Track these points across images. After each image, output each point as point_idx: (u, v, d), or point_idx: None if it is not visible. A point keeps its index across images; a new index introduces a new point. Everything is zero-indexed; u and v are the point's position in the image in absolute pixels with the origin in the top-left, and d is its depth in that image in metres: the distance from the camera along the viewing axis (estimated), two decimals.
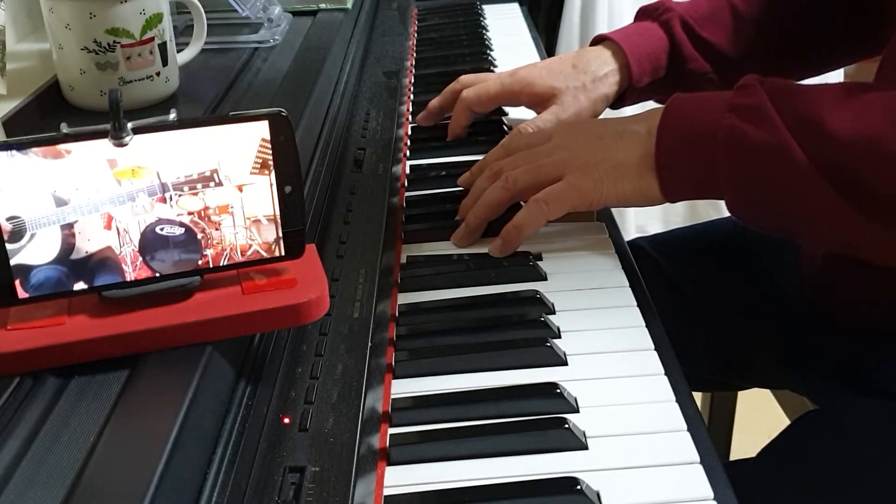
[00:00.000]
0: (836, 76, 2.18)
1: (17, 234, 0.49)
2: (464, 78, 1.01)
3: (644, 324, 0.69)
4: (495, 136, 1.02)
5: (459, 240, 0.81)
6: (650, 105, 1.08)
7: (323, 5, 1.18)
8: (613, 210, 0.86)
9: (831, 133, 0.65)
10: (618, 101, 0.98)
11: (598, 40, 0.99)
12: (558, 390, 0.61)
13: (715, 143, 0.70)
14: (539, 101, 0.97)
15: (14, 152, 0.48)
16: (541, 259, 0.78)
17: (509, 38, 1.39)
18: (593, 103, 0.95)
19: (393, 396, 0.63)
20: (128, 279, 0.52)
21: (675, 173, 0.73)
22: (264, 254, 0.54)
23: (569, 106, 0.95)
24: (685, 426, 0.59)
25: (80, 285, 0.51)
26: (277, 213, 0.54)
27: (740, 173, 0.70)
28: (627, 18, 2.12)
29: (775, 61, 0.99)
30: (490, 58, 1.28)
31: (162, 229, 0.52)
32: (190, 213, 0.52)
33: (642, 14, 1.00)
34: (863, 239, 0.68)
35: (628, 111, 0.95)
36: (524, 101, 0.98)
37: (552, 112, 0.95)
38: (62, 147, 0.49)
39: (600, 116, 0.98)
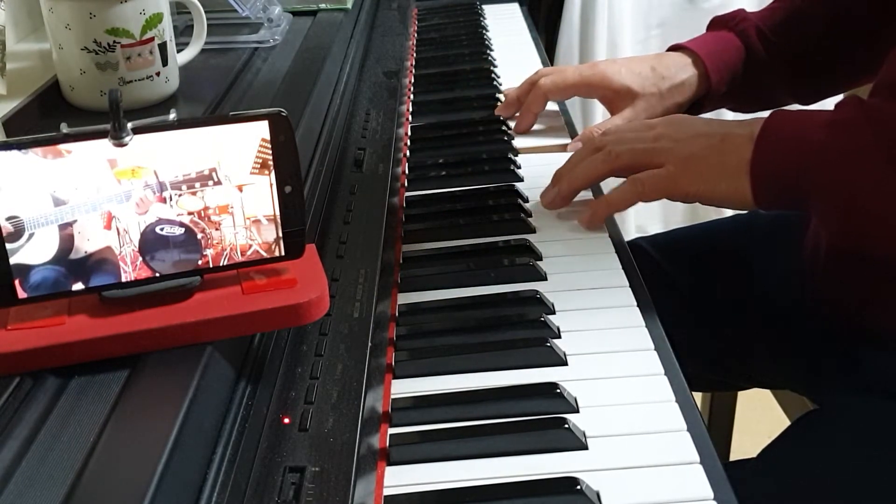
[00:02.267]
0: None
1: (17, 233, 0.49)
2: (543, 70, 1.05)
3: (644, 324, 0.69)
4: (497, 135, 1.02)
5: (549, 202, 0.84)
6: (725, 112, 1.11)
7: (323, 5, 1.18)
8: None
9: None
10: (692, 108, 1.00)
11: (674, 49, 1.01)
12: (558, 390, 0.61)
13: (806, 156, 0.72)
14: (614, 98, 0.98)
15: (14, 152, 0.48)
16: (541, 259, 0.78)
17: (509, 38, 1.39)
18: (666, 111, 0.98)
19: (393, 396, 0.63)
20: (128, 279, 0.52)
21: (766, 181, 0.75)
22: (264, 254, 0.54)
23: (641, 112, 0.97)
24: (685, 426, 0.59)
25: (79, 285, 0.51)
26: (277, 213, 0.54)
27: (830, 186, 0.72)
28: (627, 19, 2.14)
29: (847, 67, 1.00)
30: (490, 58, 1.28)
31: (162, 229, 0.52)
32: (190, 213, 0.52)
33: (717, 24, 1.02)
34: None
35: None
36: (599, 94, 1.00)
37: (624, 117, 0.97)
38: (63, 147, 0.49)
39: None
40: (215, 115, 0.85)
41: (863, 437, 0.76)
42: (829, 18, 0.98)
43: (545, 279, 0.75)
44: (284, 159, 0.53)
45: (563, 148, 0.99)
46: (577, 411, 0.61)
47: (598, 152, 0.83)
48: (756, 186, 0.75)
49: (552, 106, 1.09)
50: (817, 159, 0.72)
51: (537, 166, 0.95)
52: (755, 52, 0.98)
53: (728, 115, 2.12)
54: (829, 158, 0.72)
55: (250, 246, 0.54)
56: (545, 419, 0.59)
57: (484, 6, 1.52)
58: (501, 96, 1.10)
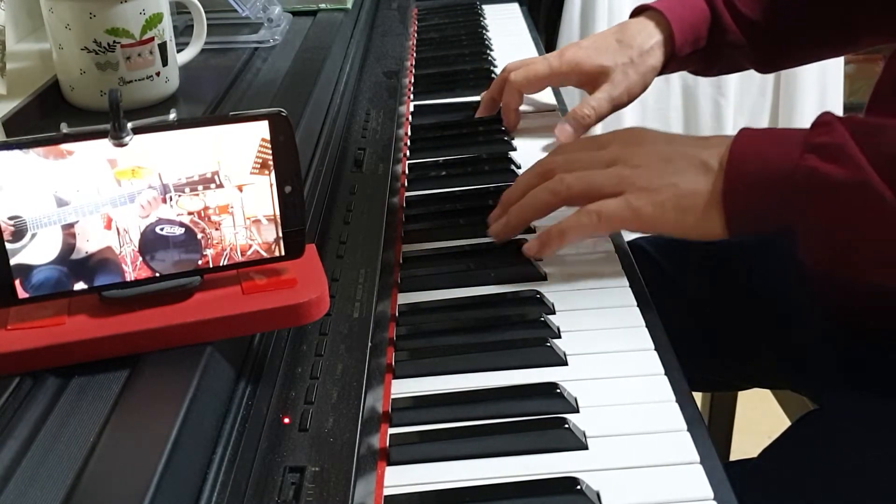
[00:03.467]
0: (835, 77, 2.18)
1: (19, 234, 0.49)
2: (510, 64, 1.03)
3: (644, 324, 0.69)
4: (497, 135, 1.02)
5: (497, 234, 0.79)
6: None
7: (323, 5, 1.18)
8: None
9: None
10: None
11: (640, 10, 1.00)
12: (558, 390, 0.61)
13: (793, 184, 0.67)
14: (589, 80, 0.98)
15: (16, 152, 0.48)
16: (541, 259, 0.78)
17: (509, 38, 1.39)
18: (643, 76, 0.96)
19: (393, 396, 0.63)
20: (128, 279, 0.52)
21: (743, 213, 0.70)
22: (264, 254, 0.54)
23: (619, 83, 0.96)
24: (685, 426, 0.59)
25: (80, 285, 0.51)
26: (277, 213, 0.54)
27: (820, 215, 0.67)
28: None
29: (811, 37, 0.99)
30: (490, 58, 1.28)
31: (162, 229, 0.52)
32: (190, 213, 0.52)
33: None
34: None
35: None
36: (573, 81, 1.00)
37: (604, 90, 0.96)
38: (64, 147, 0.49)
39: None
40: (215, 115, 0.85)
41: (863, 437, 0.76)
42: None
43: (545, 279, 0.75)
44: (284, 159, 0.53)
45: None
46: (577, 411, 0.61)
47: (547, 179, 0.77)
48: (730, 219, 0.70)
49: (549, 99, 1.09)
50: (803, 192, 0.67)
51: None
52: (720, 14, 0.96)
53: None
54: (816, 196, 0.67)
55: (250, 246, 0.54)
56: (545, 419, 0.59)
57: (484, 6, 1.52)
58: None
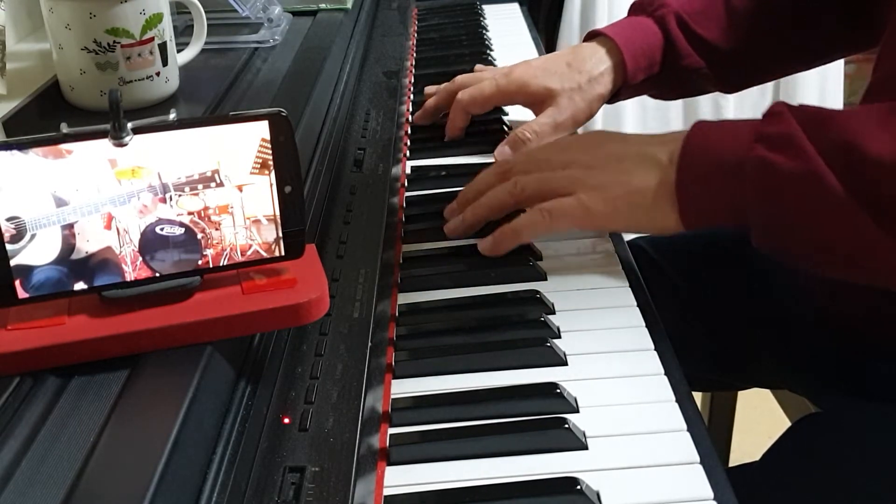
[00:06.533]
0: (835, 77, 2.18)
1: (18, 234, 0.49)
2: (459, 78, 1.01)
3: (644, 324, 0.69)
4: (494, 136, 1.02)
5: (452, 230, 0.81)
6: (645, 99, 1.07)
7: (323, 5, 1.18)
8: None
9: (871, 158, 0.63)
10: (612, 98, 0.98)
11: (592, 35, 0.98)
12: (558, 390, 0.61)
13: (743, 175, 0.67)
14: (534, 101, 0.96)
15: (14, 152, 0.48)
16: (541, 259, 0.78)
17: (509, 38, 1.39)
18: (589, 104, 0.95)
19: (393, 396, 0.63)
20: (128, 279, 0.52)
21: (697, 205, 0.71)
22: (264, 254, 0.54)
23: (565, 108, 0.94)
24: (685, 426, 0.59)
25: (80, 285, 0.51)
26: (277, 213, 0.54)
27: (770, 205, 0.67)
28: None
29: (769, 56, 0.99)
30: (490, 58, 1.28)
31: (162, 229, 0.52)
32: (190, 213, 0.52)
33: (636, 8, 0.99)
34: None
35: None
36: (519, 101, 0.98)
37: (549, 115, 0.94)
38: (63, 147, 0.49)
39: (596, 114, 0.98)
40: (215, 115, 0.85)
41: (864, 440, 0.76)
42: (754, 13, 0.95)
43: (545, 279, 0.75)
44: (284, 159, 0.53)
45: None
46: (577, 411, 0.61)
47: (505, 179, 0.79)
48: (684, 212, 0.71)
49: None
50: (752, 182, 0.67)
51: None
52: (674, 39, 0.95)
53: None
54: (765, 185, 0.67)
55: (250, 246, 0.54)
56: (545, 419, 0.59)
57: (484, 6, 1.52)
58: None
